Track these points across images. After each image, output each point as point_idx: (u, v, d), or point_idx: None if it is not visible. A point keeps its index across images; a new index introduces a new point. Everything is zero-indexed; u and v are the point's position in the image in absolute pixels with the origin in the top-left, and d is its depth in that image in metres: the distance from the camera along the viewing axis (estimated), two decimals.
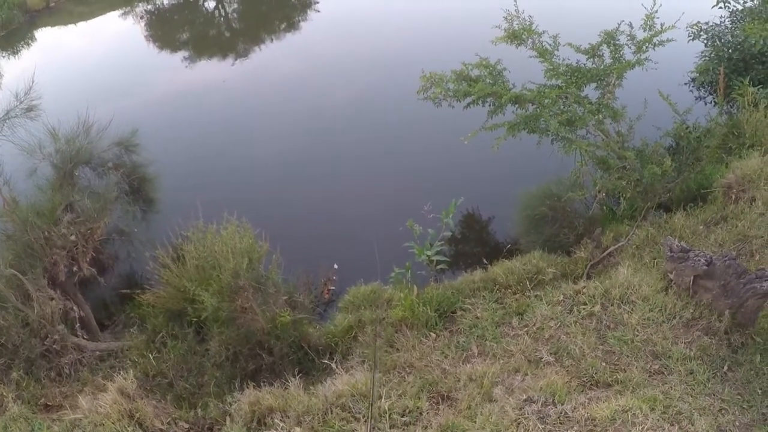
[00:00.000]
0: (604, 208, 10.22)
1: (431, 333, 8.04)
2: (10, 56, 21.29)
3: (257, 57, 18.76)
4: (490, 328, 7.92)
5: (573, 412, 6.09)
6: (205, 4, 23.81)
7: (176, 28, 21.79)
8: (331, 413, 6.62)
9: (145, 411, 7.08)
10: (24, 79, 10.33)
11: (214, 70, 18.28)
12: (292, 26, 20.16)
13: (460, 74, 10.33)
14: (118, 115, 10.89)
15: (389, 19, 19.30)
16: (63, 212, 9.43)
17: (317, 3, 21.37)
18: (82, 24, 23.99)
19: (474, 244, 11.36)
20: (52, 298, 8.83)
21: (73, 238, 9.14)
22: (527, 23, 10.26)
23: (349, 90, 15.85)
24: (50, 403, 8.03)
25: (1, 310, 8.45)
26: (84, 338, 8.99)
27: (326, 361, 7.65)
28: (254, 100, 15.86)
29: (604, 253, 9.01)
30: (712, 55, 12.42)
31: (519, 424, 6.05)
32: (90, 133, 10.20)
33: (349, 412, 6.62)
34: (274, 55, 18.89)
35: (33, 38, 22.80)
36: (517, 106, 10.11)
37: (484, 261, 9.38)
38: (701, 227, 9.02)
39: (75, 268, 9.21)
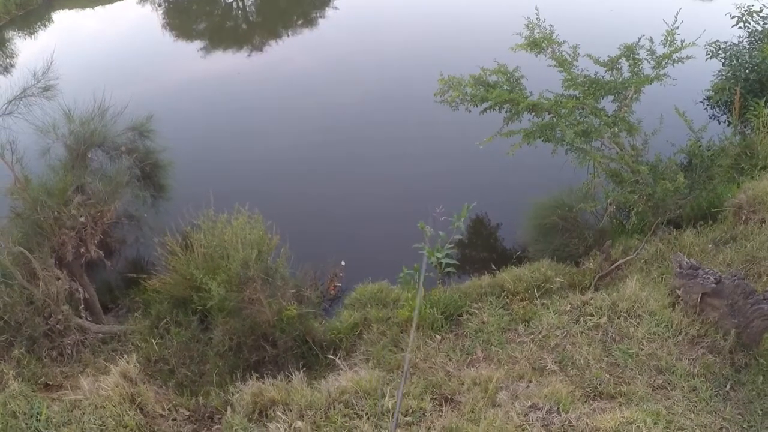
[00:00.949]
0: (614, 221, 10.20)
1: (437, 335, 8.04)
2: (27, 36, 21.33)
3: (273, 51, 18.77)
4: (496, 334, 7.92)
5: (577, 421, 6.08)
6: None
7: (193, 18, 21.79)
8: (334, 409, 6.63)
9: (147, 396, 7.08)
10: (41, 59, 10.40)
11: (229, 61, 18.28)
12: (310, 22, 20.14)
13: (477, 79, 10.35)
14: (133, 100, 10.87)
15: (407, 20, 19.29)
16: (74, 193, 9.41)
17: (335, 0, 21.34)
18: (99, 9, 24.03)
19: (483, 248, 11.36)
20: (58, 278, 8.82)
21: (82, 219, 9.13)
22: (548, 32, 10.26)
23: (365, 88, 15.84)
24: (51, 383, 8.02)
25: (7, 287, 8.44)
26: (87, 320, 8.99)
27: (331, 356, 7.65)
28: (269, 94, 15.85)
29: (613, 266, 9.00)
30: (729, 74, 12.39)
31: (524, 430, 6.04)
32: (105, 117, 10.19)
33: (351, 409, 6.62)
34: (290, 50, 18.89)
35: (50, 20, 22.86)
36: (533, 114, 10.14)
37: (493, 266, 9.38)
38: (710, 246, 9.00)
39: (82, 250, 9.21)
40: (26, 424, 6.73)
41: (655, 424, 5.98)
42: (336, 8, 20.79)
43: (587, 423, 6.04)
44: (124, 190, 9.73)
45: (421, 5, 20.65)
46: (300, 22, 20.45)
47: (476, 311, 8.38)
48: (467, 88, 10.25)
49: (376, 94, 15.52)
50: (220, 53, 18.69)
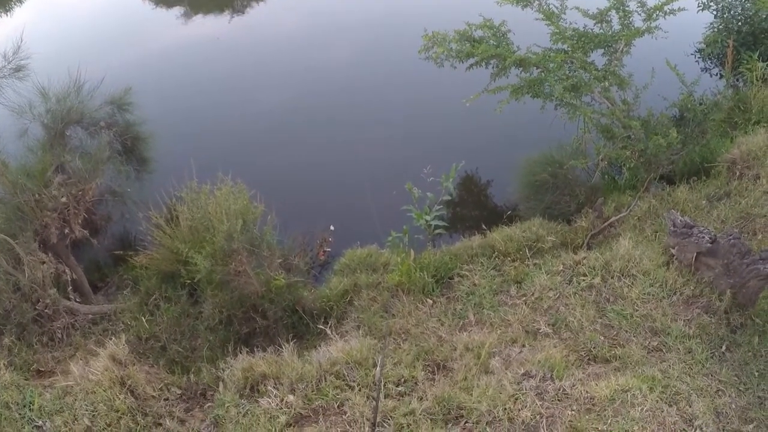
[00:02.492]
0: (606, 177, 10.04)
1: (428, 299, 7.95)
2: (3, 14, 20.68)
3: (255, 13, 18.24)
4: (488, 296, 7.82)
5: (572, 389, 5.99)
6: None
7: None
8: (326, 381, 6.54)
9: (137, 378, 7.00)
10: (13, 38, 10.07)
11: (210, 26, 17.77)
12: None
13: (463, 34, 10.07)
14: (110, 73, 10.62)
15: None
16: (54, 174, 9.18)
17: None
18: None
19: (473, 208, 11.19)
20: (43, 262, 8.65)
21: (64, 200, 8.92)
22: None
23: (348, 49, 15.46)
24: (42, 369, 7.95)
25: None
26: (77, 301, 8.84)
27: (321, 327, 7.56)
28: (251, 58, 15.47)
29: (605, 224, 8.87)
30: (721, 26, 12.07)
31: (517, 399, 5.95)
32: (81, 92, 9.87)
33: (343, 380, 6.54)
34: (273, 10, 18.37)
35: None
36: (521, 69, 9.88)
37: (483, 227, 9.24)
38: (704, 202, 8.86)
39: (66, 231, 9.00)
40: (20, 414, 6.63)
41: (651, 390, 5.90)
42: None
43: (582, 391, 5.94)
44: (105, 166, 9.49)
45: None
46: None
47: (467, 273, 8.25)
48: (452, 44, 9.96)
49: (359, 57, 15.14)
50: (200, 18, 18.13)
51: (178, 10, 18.66)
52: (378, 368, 5.87)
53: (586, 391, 5.93)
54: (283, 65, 14.94)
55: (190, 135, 12.43)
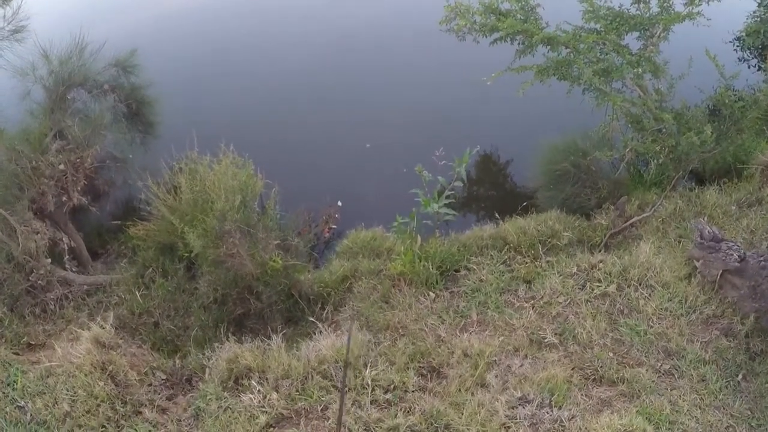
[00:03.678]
0: (632, 170, 9.40)
1: (430, 292, 7.52)
2: None
3: None
4: (494, 295, 7.38)
5: (569, 422, 5.52)
6: None
7: None
8: (312, 380, 6.22)
9: (119, 363, 6.72)
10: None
11: None
12: None
13: (488, 6, 9.41)
14: (113, 35, 10.32)
15: None
16: (52, 139, 8.91)
17: None
18: None
19: (488, 190, 10.70)
20: (37, 232, 8.45)
21: (61, 167, 8.65)
22: None
23: (365, 20, 14.68)
24: (33, 342, 7.82)
25: None
26: (73, 270, 8.69)
27: (312, 320, 7.21)
28: (259, 23, 14.84)
29: (627, 223, 8.32)
30: (765, 16, 11.24)
31: (508, 429, 5.54)
32: (84, 54, 9.48)
33: (330, 381, 6.21)
34: None
35: None
36: (548, 48, 9.19)
37: (496, 215, 8.78)
38: (733, 208, 8.23)
39: (65, 198, 8.77)
40: (3, 393, 6.47)
41: (656, 430, 5.45)
42: None
43: (580, 425, 5.49)
44: (106, 131, 9.20)
45: None
46: None
47: (475, 267, 7.79)
48: (476, 16, 9.36)
49: (374, 23, 14.42)
50: None
51: None
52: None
53: (585, 428, 5.47)
54: (297, 35, 14.32)
55: (195, 101, 12.02)
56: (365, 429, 5.66)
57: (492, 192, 10.58)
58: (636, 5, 9.20)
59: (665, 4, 9.03)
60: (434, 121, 11.51)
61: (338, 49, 13.76)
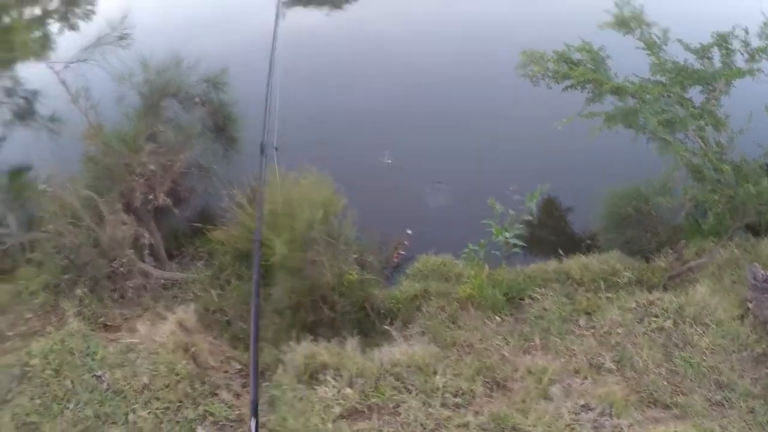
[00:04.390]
0: (690, 218, 9.76)
1: (496, 316, 7.95)
2: None
3: (352, 9, 18.41)
4: (557, 323, 7.76)
5: (629, 428, 5.87)
6: None
7: None
8: (384, 380, 6.60)
9: (201, 347, 7.22)
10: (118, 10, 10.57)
11: (307, 18, 18.02)
12: None
13: (561, 55, 10.04)
14: (207, 52, 11.04)
15: None
16: (145, 141, 9.59)
17: None
18: None
19: (552, 231, 11.09)
20: (125, 223, 9.03)
21: (152, 167, 9.31)
22: (638, 11, 9.91)
23: (447, 56, 15.33)
24: (109, 324, 8.30)
25: (75, 228, 8.68)
26: (151, 265, 9.20)
27: (387, 327, 7.63)
28: (348, 51, 15.62)
29: (684, 267, 8.64)
30: None
31: (573, 429, 5.89)
32: (180, 67, 10.30)
33: (402, 383, 6.59)
34: (374, 10, 18.43)
35: None
36: (616, 97, 9.72)
37: (560, 252, 9.20)
38: None
39: (150, 197, 9.39)
40: (81, 362, 6.93)
41: None
42: None
43: None
44: (194, 140, 9.87)
45: None
46: None
47: (538, 297, 8.24)
48: (549, 64, 9.94)
49: (458, 64, 14.96)
50: (300, 9, 18.40)
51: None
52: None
53: None
54: (379, 60, 15.04)
55: (282, 118, 12.57)
56: (436, 425, 6.02)
57: (554, 236, 10.95)
58: (700, 60, 9.69)
59: (727, 60, 9.50)
60: (505, 159, 12.03)
61: (420, 83, 14.42)
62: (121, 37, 10.73)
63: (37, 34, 16.05)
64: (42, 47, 15.01)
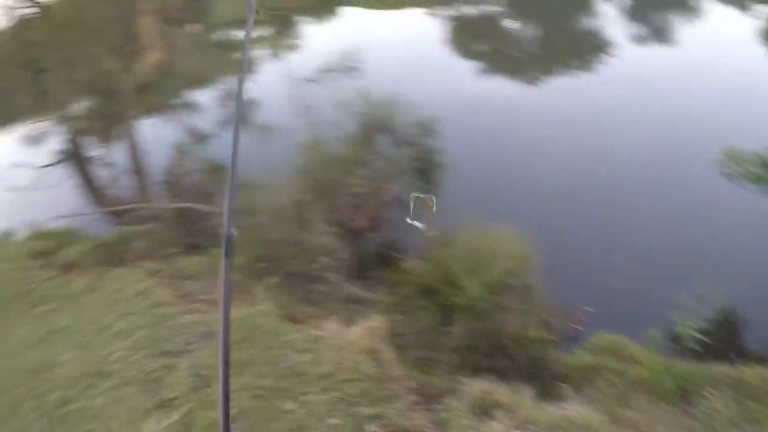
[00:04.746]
0: None
1: (665, 404, 7.90)
2: (315, 22, 24.06)
3: (546, 86, 18.99)
4: (726, 425, 7.57)
5: None
6: (504, 22, 24.66)
7: (474, 38, 22.70)
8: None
9: (388, 355, 7.75)
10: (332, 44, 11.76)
11: (507, 85, 18.89)
12: (586, 67, 19.97)
13: (762, 158, 9.84)
14: (416, 99, 11.98)
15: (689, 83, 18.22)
16: (357, 166, 10.59)
17: (613, 49, 20.90)
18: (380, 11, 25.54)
19: (726, 333, 10.73)
20: (326, 233, 9.97)
21: (361, 190, 10.24)
22: None
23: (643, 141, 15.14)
24: (295, 316, 8.94)
25: (281, 225, 9.73)
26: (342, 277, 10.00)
27: (561, 383, 7.84)
28: (537, 123, 15.88)
29: None
30: None
31: None
32: (397, 106, 11.34)
33: None
34: (564, 88, 18.93)
35: (333, 12, 25.12)
36: None
37: (733, 356, 8.93)
38: None
39: (353, 217, 10.30)
40: (267, 338, 7.70)
41: None
42: (613, 55, 20.35)
43: None
44: (402, 176, 10.73)
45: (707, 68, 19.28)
46: (575, 62, 20.39)
47: (710, 396, 8.09)
48: (749, 166, 9.82)
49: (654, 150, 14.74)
50: (499, 77, 19.38)
51: (476, 64, 20.04)
52: None
53: None
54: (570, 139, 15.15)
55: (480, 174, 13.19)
56: None
57: (730, 334, 10.62)
58: None
59: None
60: (694, 253, 11.67)
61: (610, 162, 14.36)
62: (350, 69, 11.99)
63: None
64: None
